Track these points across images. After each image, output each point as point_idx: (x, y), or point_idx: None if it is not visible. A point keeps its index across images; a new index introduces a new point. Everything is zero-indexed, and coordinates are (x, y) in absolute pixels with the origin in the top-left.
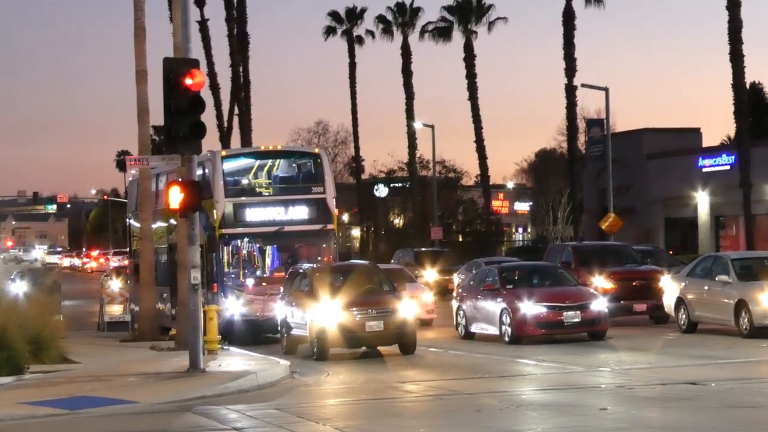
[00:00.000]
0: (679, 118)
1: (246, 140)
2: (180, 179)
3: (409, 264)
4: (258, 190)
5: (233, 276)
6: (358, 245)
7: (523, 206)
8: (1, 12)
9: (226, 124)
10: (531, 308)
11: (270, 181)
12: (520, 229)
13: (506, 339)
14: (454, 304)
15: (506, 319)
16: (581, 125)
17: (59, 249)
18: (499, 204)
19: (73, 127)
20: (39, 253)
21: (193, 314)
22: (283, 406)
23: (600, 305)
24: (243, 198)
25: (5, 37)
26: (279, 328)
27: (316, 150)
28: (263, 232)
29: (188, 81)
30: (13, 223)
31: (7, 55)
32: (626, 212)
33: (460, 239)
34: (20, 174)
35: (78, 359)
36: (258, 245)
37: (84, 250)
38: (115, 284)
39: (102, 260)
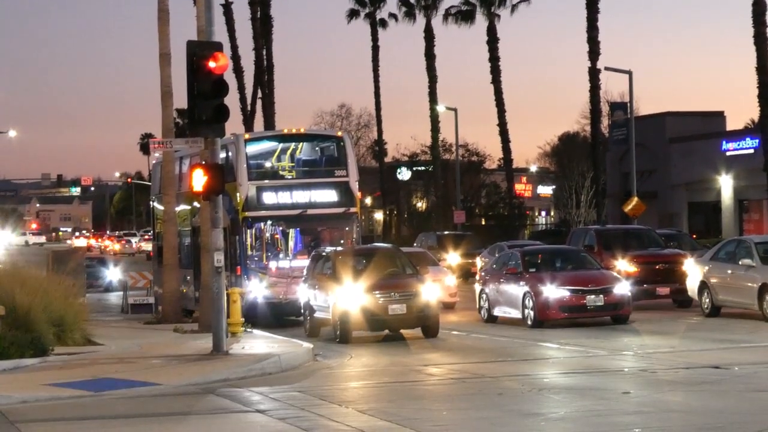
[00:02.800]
0: (703, 102)
1: (269, 123)
2: (203, 162)
3: (432, 247)
4: (281, 173)
5: (256, 259)
6: (380, 228)
7: (546, 190)
8: None
9: (249, 108)
10: (554, 292)
11: (293, 164)
12: (543, 213)
13: (529, 322)
14: (477, 287)
15: (529, 303)
16: (605, 109)
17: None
18: (522, 187)
19: (97, 110)
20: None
21: (216, 297)
22: (306, 388)
23: (623, 289)
24: (266, 181)
25: (30, 22)
26: (302, 310)
27: (339, 133)
28: (286, 215)
29: (211, 64)
30: (38, 205)
31: (31, 40)
32: (649, 196)
33: (483, 223)
34: (44, 157)
35: (102, 341)
36: (281, 228)
37: (108, 232)
38: None
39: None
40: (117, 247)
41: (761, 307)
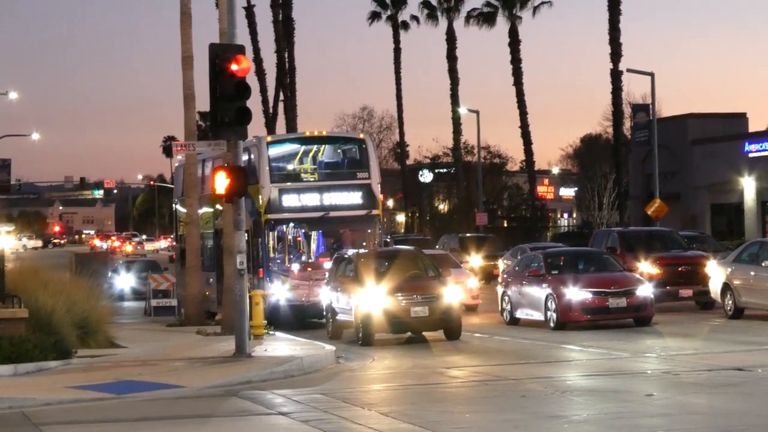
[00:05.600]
0: (725, 103)
1: (291, 126)
2: (226, 165)
3: (454, 249)
4: (303, 175)
5: (279, 261)
6: (403, 231)
7: (568, 192)
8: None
9: (271, 110)
10: (576, 294)
11: (315, 166)
12: (566, 215)
13: (551, 324)
14: (499, 289)
15: (551, 305)
16: (627, 110)
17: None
18: (544, 189)
19: (120, 113)
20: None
21: (239, 299)
22: (328, 390)
23: (646, 291)
24: (288, 183)
25: (52, 25)
26: (324, 313)
27: (361, 135)
28: (308, 217)
29: (234, 67)
30: (61, 208)
31: (54, 43)
32: (672, 198)
33: (505, 225)
34: (67, 159)
35: (125, 344)
36: (303, 230)
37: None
38: None
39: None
40: (129, 248)
41: None
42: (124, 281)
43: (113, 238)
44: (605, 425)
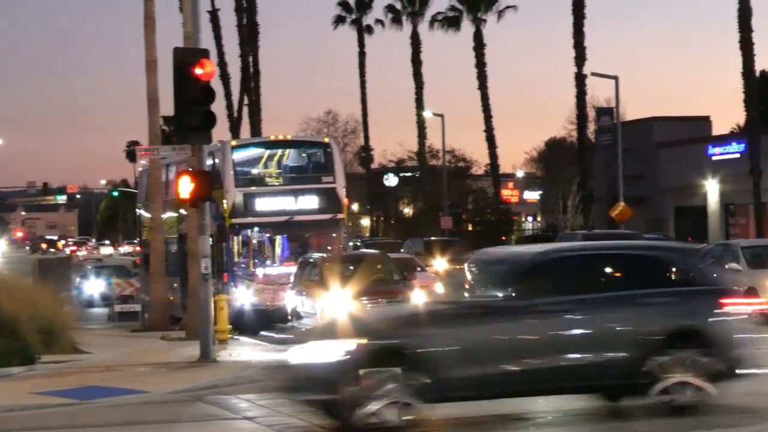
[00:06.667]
0: (689, 107)
1: (256, 130)
2: (190, 169)
3: (419, 253)
4: (268, 179)
5: (243, 266)
6: (368, 235)
7: (532, 195)
8: (11, 3)
9: (236, 114)
10: None
11: (280, 170)
12: (530, 218)
13: None
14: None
15: None
16: (591, 114)
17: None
18: (508, 193)
19: (83, 117)
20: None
21: (203, 304)
22: None
23: None
24: (253, 188)
25: (14, 29)
26: (289, 317)
27: (326, 140)
28: (273, 221)
29: (198, 71)
30: (23, 213)
31: (17, 47)
32: (637, 201)
33: (470, 228)
34: (30, 164)
35: (89, 349)
36: (268, 235)
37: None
38: None
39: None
40: (84, 252)
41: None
42: (93, 287)
43: (61, 243)
44: (571, 428)
